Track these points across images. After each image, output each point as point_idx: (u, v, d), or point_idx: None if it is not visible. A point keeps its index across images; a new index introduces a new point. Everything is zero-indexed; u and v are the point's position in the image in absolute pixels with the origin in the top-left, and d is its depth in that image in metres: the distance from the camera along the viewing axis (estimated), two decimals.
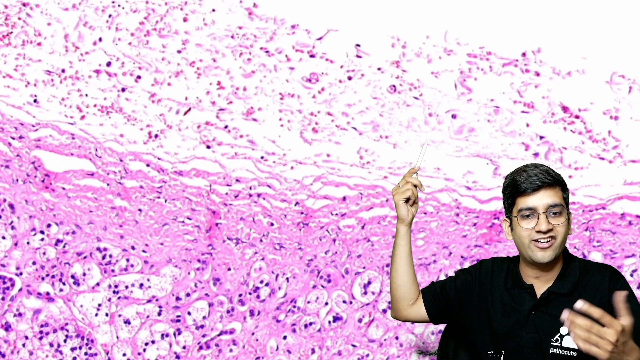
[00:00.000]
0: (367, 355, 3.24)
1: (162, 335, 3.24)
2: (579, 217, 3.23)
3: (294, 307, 3.25)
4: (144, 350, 3.24)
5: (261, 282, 3.25)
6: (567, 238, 2.12)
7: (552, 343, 2.09)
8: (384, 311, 3.25)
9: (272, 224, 3.25)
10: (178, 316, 3.24)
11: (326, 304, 3.26)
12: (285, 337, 3.25)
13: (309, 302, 3.26)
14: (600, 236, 3.23)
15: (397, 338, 3.25)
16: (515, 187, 2.07)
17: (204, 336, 3.25)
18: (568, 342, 2.08)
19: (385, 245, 3.24)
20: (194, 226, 3.24)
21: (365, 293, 3.26)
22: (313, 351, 3.25)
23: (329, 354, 3.25)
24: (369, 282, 3.25)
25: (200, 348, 3.24)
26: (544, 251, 2.06)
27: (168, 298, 3.24)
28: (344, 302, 3.26)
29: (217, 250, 3.25)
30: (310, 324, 3.25)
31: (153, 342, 3.24)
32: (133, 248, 3.24)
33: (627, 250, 3.22)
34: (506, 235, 2.17)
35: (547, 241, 2.06)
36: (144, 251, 3.24)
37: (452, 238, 3.25)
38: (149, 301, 3.24)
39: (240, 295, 3.25)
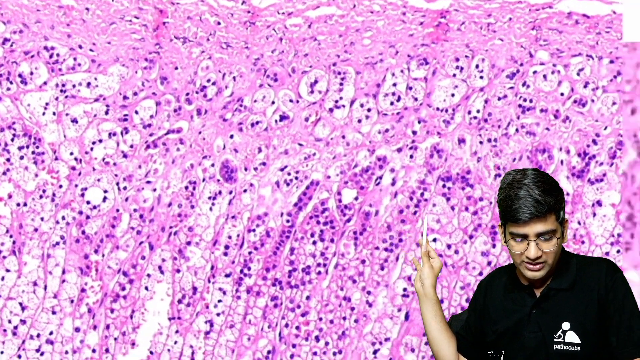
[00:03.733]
0: (314, 154, 3.25)
1: (110, 134, 3.25)
2: (525, 16, 3.23)
3: (241, 106, 3.26)
4: (91, 149, 3.24)
5: (208, 80, 3.26)
6: (559, 254, 2.15)
7: (555, 340, 2.11)
8: (331, 110, 3.25)
9: (219, 23, 3.25)
10: (125, 115, 3.25)
11: (273, 102, 3.26)
12: (232, 136, 3.25)
13: (255, 101, 3.26)
14: (547, 35, 3.23)
15: (343, 137, 3.25)
16: (507, 213, 2.10)
17: (151, 135, 3.25)
18: (571, 337, 2.10)
19: (332, 45, 3.24)
20: (141, 25, 3.25)
21: (312, 92, 3.26)
22: (260, 150, 3.25)
23: (275, 153, 3.25)
24: (316, 81, 3.25)
25: (148, 147, 3.25)
26: (534, 272, 2.13)
27: (115, 97, 3.25)
28: (291, 100, 3.26)
29: (165, 49, 3.25)
30: (257, 122, 3.26)
31: (100, 140, 3.24)
32: (80, 47, 3.24)
33: (573, 49, 3.22)
34: (502, 241, 2.20)
35: (538, 264, 2.10)
36: (91, 50, 3.24)
37: (399, 37, 3.25)
38: (96, 100, 3.25)
39: (187, 94, 3.26)
